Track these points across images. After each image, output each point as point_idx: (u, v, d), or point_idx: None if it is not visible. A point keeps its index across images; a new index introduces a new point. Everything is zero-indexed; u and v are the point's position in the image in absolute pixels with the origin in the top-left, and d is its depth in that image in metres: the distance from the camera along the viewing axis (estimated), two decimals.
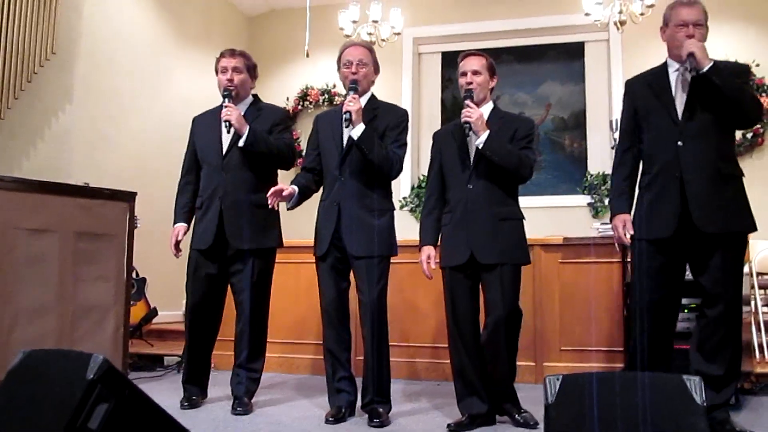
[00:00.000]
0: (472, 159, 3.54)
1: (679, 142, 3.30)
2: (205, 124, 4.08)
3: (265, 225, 3.95)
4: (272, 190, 3.63)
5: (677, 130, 3.32)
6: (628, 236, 3.41)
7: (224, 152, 3.93)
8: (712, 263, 3.27)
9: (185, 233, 4.03)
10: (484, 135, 3.43)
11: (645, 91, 3.49)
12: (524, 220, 3.60)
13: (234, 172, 3.90)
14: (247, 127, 3.83)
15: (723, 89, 3.20)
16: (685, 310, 3.88)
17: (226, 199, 3.88)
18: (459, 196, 3.55)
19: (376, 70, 3.84)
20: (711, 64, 3.22)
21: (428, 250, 3.61)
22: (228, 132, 3.85)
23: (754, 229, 3.37)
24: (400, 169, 3.72)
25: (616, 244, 4.20)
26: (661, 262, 3.34)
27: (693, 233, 3.26)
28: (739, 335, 3.37)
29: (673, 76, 3.41)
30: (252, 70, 4.07)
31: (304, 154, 3.97)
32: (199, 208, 3.99)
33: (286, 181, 3.82)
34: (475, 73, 3.57)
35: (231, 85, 3.93)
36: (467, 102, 3.50)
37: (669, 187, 3.32)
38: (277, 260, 4.10)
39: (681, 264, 3.40)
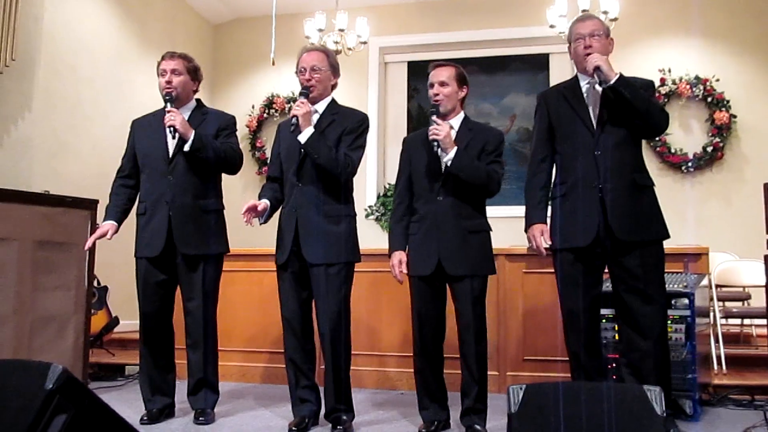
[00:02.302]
0: (443, 171, 3.53)
1: (597, 152, 3.37)
2: (147, 128, 3.96)
3: (213, 230, 3.89)
4: (247, 207, 3.56)
5: (594, 141, 3.38)
6: (545, 246, 3.46)
7: (170, 157, 3.83)
8: (631, 274, 3.34)
9: (114, 233, 3.86)
10: (452, 152, 3.43)
11: (560, 103, 3.55)
12: (491, 232, 3.62)
13: (180, 177, 3.81)
14: (193, 132, 3.75)
15: (632, 100, 3.29)
16: (603, 320, 3.90)
17: (173, 205, 3.79)
18: (428, 208, 3.55)
19: (335, 74, 3.78)
20: (618, 76, 3.31)
21: (399, 255, 3.59)
22: (173, 137, 3.77)
23: (668, 236, 3.43)
24: (351, 172, 3.67)
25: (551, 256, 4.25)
26: (581, 271, 3.39)
27: (611, 242, 3.33)
28: (666, 346, 3.43)
29: (585, 89, 3.48)
30: (193, 73, 3.96)
31: (269, 162, 3.91)
32: (143, 214, 3.88)
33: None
34: (442, 84, 3.57)
35: (170, 87, 3.84)
36: (434, 118, 3.50)
37: (588, 197, 3.37)
38: (240, 268, 4.06)
39: (600, 273, 3.47)
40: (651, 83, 3.54)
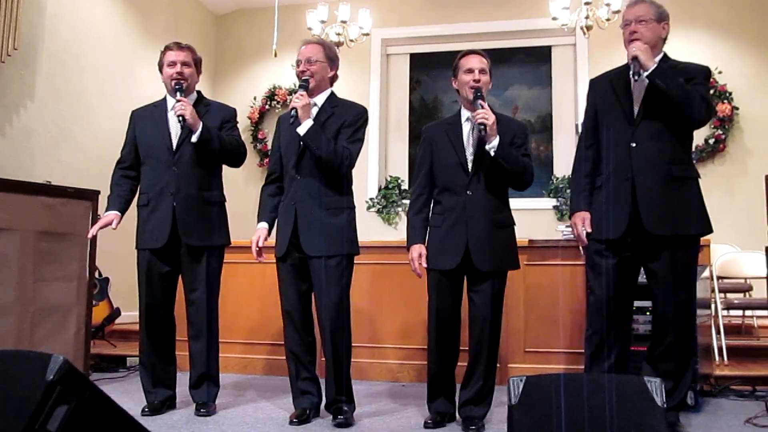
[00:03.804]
0: (470, 163, 3.48)
1: (633, 144, 3.32)
2: (149, 119, 3.94)
3: (217, 222, 3.89)
4: (254, 248, 3.64)
5: (631, 131, 3.34)
6: (585, 234, 3.43)
7: (175, 148, 3.82)
8: (661, 267, 3.29)
9: (118, 223, 3.83)
10: (496, 141, 3.36)
11: (606, 91, 3.50)
12: (515, 226, 3.60)
13: (185, 168, 3.80)
14: (201, 123, 3.74)
15: (667, 92, 3.21)
16: (647, 312, 3.91)
17: (178, 196, 3.78)
18: (456, 200, 3.49)
19: (332, 66, 3.74)
20: (654, 66, 3.24)
21: (420, 249, 3.53)
22: (182, 127, 3.76)
23: (708, 231, 3.36)
24: (350, 165, 3.65)
25: (581, 247, 4.24)
26: (614, 262, 3.35)
27: (644, 235, 3.28)
28: (690, 340, 3.39)
29: (633, 79, 3.38)
30: (198, 65, 3.95)
31: (269, 155, 3.90)
32: (145, 205, 3.86)
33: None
34: (482, 71, 3.51)
35: (182, 77, 3.82)
36: (481, 102, 3.41)
37: (621, 188, 3.33)
38: (241, 260, 4.05)
39: (634, 265, 3.41)
40: (702, 71, 3.41)
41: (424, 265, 3.51)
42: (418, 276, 3.54)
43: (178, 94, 3.77)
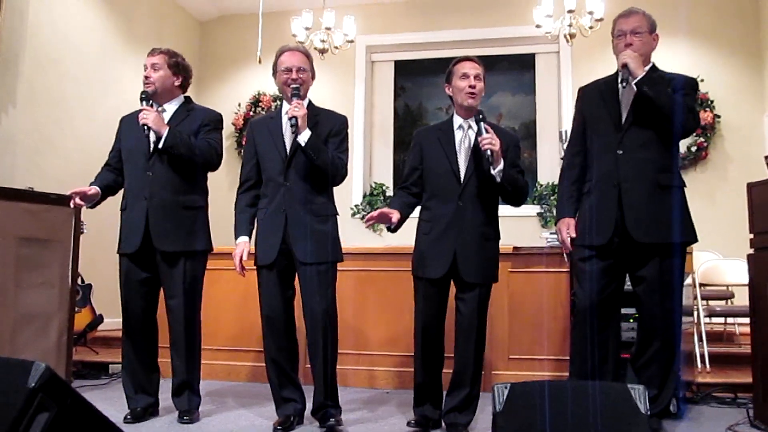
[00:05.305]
0: (463, 172, 3.49)
1: (619, 151, 3.35)
2: (133, 125, 3.91)
3: (193, 227, 3.85)
4: (238, 264, 3.60)
5: (618, 139, 3.36)
6: (569, 240, 3.46)
7: (150, 153, 3.81)
8: (647, 274, 3.31)
9: (98, 195, 3.80)
10: (501, 165, 3.36)
11: (595, 99, 3.53)
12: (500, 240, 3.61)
13: (159, 173, 3.79)
14: (167, 129, 3.73)
15: (654, 100, 3.25)
16: (630, 320, 3.93)
17: (152, 201, 3.77)
18: (445, 209, 3.48)
19: (313, 76, 3.79)
20: (643, 74, 3.28)
21: (397, 214, 3.48)
22: (146, 135, 3.76)
23: (693, 240, 3.39)
24: (344, 175, 3.68)
25: (565, 254, 4.26)
26: (599, 268, 3.36)
27: (630, 242, 3.31)
28: (673, 349, 3.40)
29: (621, 86, 3.41)
30: (176, 68, 3.91)
31: (243, 163, 3.86)
32: (124, 209, 3.87)
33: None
34: (477, 77, 3.51)
35: (147, 82, 3.83)
36: (487, 127, 3.39)
37: (607, 196, 3.36)
38: (224, 267, 4.02)
39: (620, 271, 3.42)
40: (691, 82, 3.46)
41: (397, 216, 3.46)
42: (370, 218, 3.48)
43: (143, 102, 3.79)
